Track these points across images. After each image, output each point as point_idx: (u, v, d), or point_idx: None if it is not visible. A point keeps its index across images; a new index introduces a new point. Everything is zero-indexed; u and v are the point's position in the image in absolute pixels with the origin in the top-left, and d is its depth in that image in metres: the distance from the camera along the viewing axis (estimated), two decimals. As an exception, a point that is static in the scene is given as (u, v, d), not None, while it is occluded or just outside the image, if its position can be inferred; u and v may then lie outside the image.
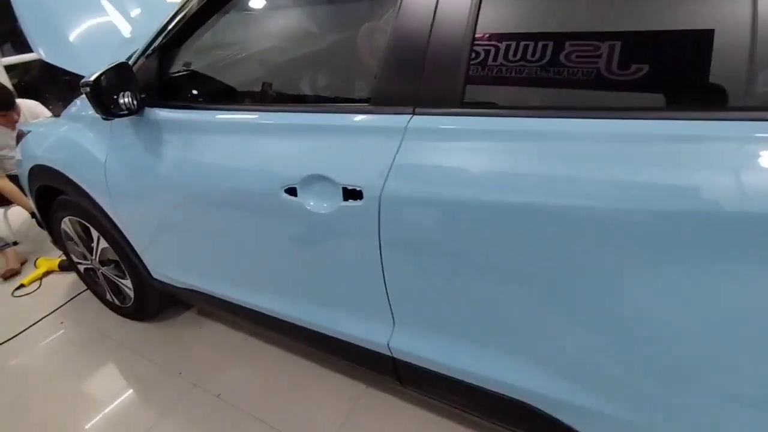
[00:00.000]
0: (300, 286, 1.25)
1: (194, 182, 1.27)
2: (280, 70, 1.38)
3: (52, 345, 1.99)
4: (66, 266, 2.44)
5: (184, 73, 1.36)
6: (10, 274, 2.49)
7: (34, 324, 2.11)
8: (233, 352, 1.80)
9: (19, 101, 2.56)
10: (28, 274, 2.47)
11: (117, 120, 1.42)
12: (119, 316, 2.07)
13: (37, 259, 2.53)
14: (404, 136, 0.92)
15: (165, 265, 1.63)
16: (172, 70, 1.35)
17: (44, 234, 2.91)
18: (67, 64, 1.66)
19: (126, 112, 1.28)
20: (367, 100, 1.00)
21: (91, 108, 1.63)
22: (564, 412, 0.93)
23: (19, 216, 3.01)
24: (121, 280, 1.89)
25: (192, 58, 1.36)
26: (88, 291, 2.20)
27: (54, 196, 1.87)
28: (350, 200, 0.98)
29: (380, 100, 0.96)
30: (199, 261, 1.49)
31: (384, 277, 1.02)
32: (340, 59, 1.18)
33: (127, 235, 1.63)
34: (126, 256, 1.74)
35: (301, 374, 1.66)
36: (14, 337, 2.05)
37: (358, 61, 1.24)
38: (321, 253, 1.11)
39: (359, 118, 0.99)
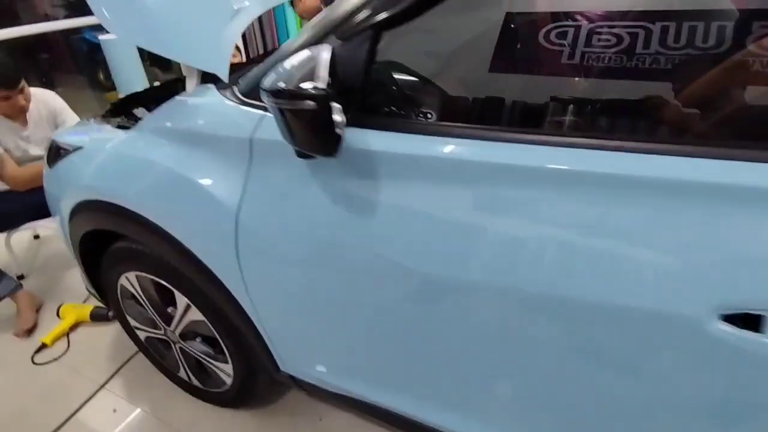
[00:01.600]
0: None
1: (442, 265, 0.73)
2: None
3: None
4: (101, 316, 1.83)
5: (433, 68, 0.78)
6: (27, 334, 1.81)
7: (74, 414, 1.49)
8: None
9: (31, 90, 1.90)
10: (48, 327, 1.82)
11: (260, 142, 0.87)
12: (191, 396, 1.50)
13: (60, 306, 1.87)
14: None
15: (315, 363, 1.08)
16: (403, 64, 0.76)
17: (56, 261, 2.28)
18: (149, 42, 1.10)
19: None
20: None
21: (198, 119, 1.07)
22: None
23: (21, 241, 2.33)
24: (215, 362, 1.32)
25: (448, 41, 0.77)
26: (140, 354, 1.61)
27: (103, 240, 1.27)
28: None
29: None
30: (403, 371, 0.94)
31: None
32: None
33: (253, 315, 1.06)
34: (238, 339, 1.17)
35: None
36: (48, 437, 1.44)
37: None
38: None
39: None
